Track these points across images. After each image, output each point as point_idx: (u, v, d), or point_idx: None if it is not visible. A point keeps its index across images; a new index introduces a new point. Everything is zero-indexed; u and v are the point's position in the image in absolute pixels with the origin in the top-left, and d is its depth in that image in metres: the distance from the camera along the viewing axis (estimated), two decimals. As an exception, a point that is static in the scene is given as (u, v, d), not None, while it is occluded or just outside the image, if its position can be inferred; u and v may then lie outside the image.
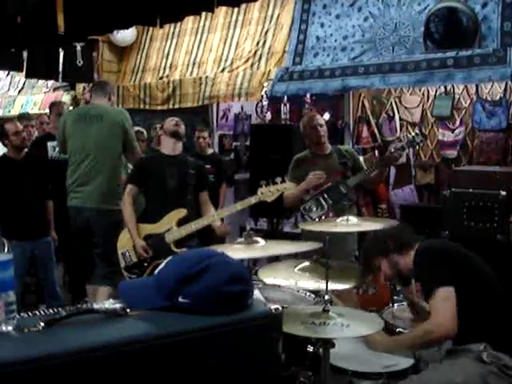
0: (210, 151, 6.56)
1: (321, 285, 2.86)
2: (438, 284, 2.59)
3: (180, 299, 1.55)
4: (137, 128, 6.09)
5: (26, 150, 5.01)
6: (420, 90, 6.33)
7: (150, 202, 4.55)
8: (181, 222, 4.29)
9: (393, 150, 4.38)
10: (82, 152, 4.87)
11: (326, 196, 4.46)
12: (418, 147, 5.37)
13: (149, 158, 4.84)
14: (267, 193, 3.94)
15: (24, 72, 6.59)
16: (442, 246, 2.87)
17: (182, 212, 4.32)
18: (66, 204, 4.92)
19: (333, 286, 2.87)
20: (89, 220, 4.75)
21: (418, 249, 2.83)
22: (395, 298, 4.15)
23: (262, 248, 2.77)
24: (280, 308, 1.64)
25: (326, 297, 2.69)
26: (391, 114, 6.54)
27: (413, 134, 4.77)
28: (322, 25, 6.31)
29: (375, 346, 2.79)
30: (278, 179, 3.96)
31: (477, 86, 5.91)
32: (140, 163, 4.70)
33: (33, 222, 4.88)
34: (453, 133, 6.13)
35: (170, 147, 4.52)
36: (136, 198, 4.54)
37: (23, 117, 6.30)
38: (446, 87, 6.05)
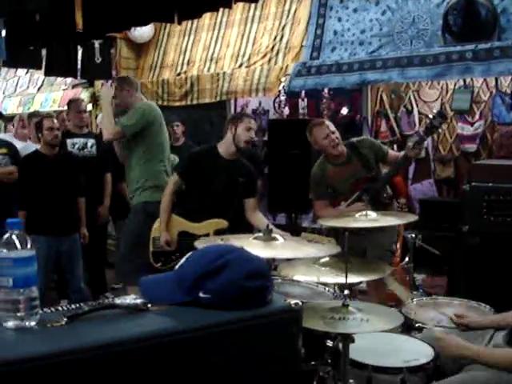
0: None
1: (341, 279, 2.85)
2: None
3: (200, 294, 1.57)
4: None
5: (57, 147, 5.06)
6: (439, 84, 6.28)
7: (192, 199, 4.42)
8: (218, 232, 4.23)
9: (412, 144, 4.17)
10: (166, 150, 5.10)
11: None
12: (438, 130, 4.98)
13: (203, 153, 4.52)
14: (311, 240, 3.87)
15: (43, 70, 6.64)
16: None
17: (222, 224, 4.24)
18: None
19: (353, 280, 2.86)
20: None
21: None
22: (414, 292, 4.15)
23: (281, 247, 2.76)
24: (300, 303, 1.65)
25: (346, 292, 2.69)
26: (410, 108, 6.49)
27: (430, 116, 4.39)
28: (340, 19, 6.29)
29: (448, 350, 2.62)
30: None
31: (496, 79, 5.85)
32: (193, 156, 4.53)
33: (61, 219, 4.92)
34: (472, 126, 6.08)
35: (229, 150, 4.35)
36: (179, 190, 4.48)
37: (34, 115, 6.33)
38: (465, 80, 6.00)
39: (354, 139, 4.65)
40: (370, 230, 3.97)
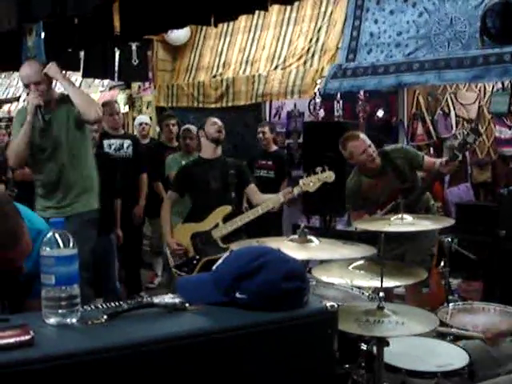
0: (273, 148, 6.60)
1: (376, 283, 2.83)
2: None
3: (237, 295, 1.58)
4: (186, 126, 6.16)
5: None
6: (476, 86, 6.21)
7: (195, 204, 4.64)
8: (226, 219, 4.37)
9: (445, 162, 4.09)
10: None
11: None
12: (473, 146, 4.90)
13: (190, 165, 4.82)
14: (309, 183, 4.01)
15: (81, 72, 6.74)
16: None
17: (227, 209, 4.38)
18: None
19: (388, 284, 2.84)
20: None
21: None
22: (450, 297, 4.11)
23: (316, 249, 2.77)
24: (335, 305, 1.65)
25: (381, 294, 2.68)
26: (447, 111, 6.43)
27: (464, 132, 4.29)
28: (376, 21, 6.26)
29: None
30: (318, 169, 4.02)
31: (535, 82, 5.77)
32: (181, 171, 4.79)
33: None
34: (510, 129, 5.99)
35: (210, 151, 4.57)
36: (175, 202, 4.74)
37: None
38: (503, 83, 5.92)
39: (388, 148, 4.58)
40: (409, 237, 3.97)
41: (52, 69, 3.91)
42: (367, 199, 4.41)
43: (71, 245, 1.46)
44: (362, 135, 4.41)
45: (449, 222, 3.16)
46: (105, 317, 1.45)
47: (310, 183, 4.04)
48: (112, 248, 5.13)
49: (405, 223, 3.06)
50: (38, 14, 4.33)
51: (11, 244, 1.82)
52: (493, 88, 6.07)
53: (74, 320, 1.46)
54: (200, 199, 4.56)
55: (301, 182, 4.06)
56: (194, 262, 4.43)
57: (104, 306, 1.57)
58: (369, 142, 4.32)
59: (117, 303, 1.55)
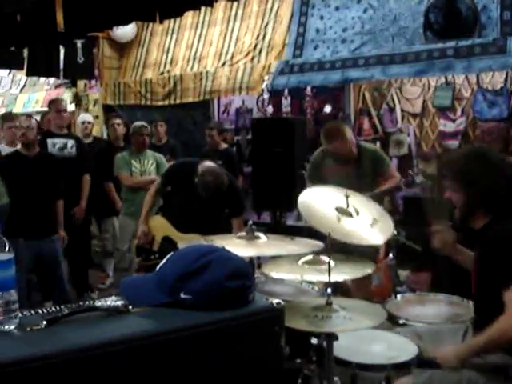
0: (222, 146, 6.57)
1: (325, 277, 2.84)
2: None
3: (182, 295, 1.56)
4: (140, 123, 6.05)
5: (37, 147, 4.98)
6: (420, 81, 6.31)
7: (176, 203, 4.53)
8: None
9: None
10: None
11: None
12: None
13: (183, 168, 4.57)
14: None
15: (25, 70, 6.60)
16: None
17: (199, 240, 4.20)
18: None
19: (336, 278, 2.85)
20: None
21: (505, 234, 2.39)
22: (398, 289, 4.17)
23: (264, 246, 2.76)
24: (282, 302, 1.64)
25: (329, 290, 2.69)
26: (392, 106, 6.52)
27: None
28: (322, 17, 6.30)
29: (449, 360, 2.44)
30: None
31: (477, 76, 5.89)
32: (173, 168, 4.74)
33: (40, 221, 4.85)
34: (454, 123, 6.11)
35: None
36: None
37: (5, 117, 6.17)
38: (446, 77, 6.03)
39: (362, 144, 4.61)
40: None
41: None
42: (323, 181, 4.42)
43: (7, 249, 1.42)
44: (348, 133, 4.36)
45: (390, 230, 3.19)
46: (44, 322, 1.41)
47: None
48: (57, 249, 5.02)
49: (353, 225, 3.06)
50: (-24, 11, 4.21)
51: None
52: (436, 82, 6.19)
53: (13, 327, 1.41)
54: (180, 205, 4.44)
55: None
56: (152, 257, 4.38)
57: (44, 311, 1.52)
58: (352, 137, 4.32)
59: (57, 308, 1.50)
